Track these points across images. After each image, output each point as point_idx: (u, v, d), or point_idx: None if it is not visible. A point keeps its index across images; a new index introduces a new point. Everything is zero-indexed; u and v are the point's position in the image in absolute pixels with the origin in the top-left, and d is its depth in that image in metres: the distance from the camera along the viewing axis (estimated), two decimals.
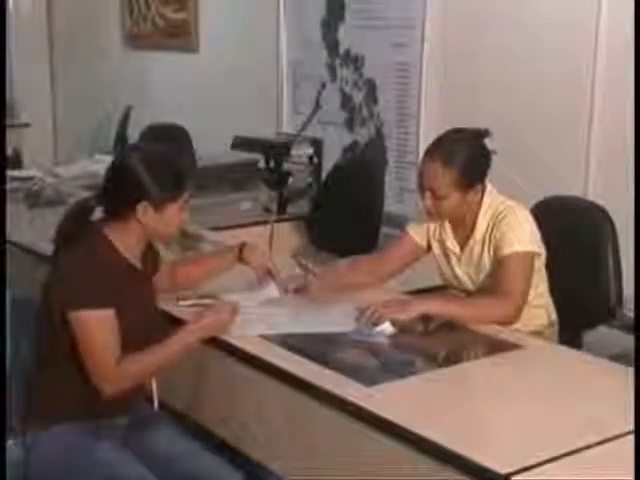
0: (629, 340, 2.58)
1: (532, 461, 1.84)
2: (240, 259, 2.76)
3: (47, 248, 2.49)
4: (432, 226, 2.90)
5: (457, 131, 2.76)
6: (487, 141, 2.75)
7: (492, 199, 2.78)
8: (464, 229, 2.82)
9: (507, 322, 2.63)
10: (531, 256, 2.71)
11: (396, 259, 2.96)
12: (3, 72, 5.77)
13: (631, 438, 1.94)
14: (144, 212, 2.34)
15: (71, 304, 2.26)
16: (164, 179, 2.35)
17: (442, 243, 2.89)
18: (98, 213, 2.42)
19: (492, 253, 2.75)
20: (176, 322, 2.62)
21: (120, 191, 2.37)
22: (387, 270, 2.96)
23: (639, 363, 2.22)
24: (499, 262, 2.70)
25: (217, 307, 2.55)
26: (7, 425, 2.28)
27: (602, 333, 2.67)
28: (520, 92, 3.98)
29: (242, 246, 2.77)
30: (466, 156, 2.68)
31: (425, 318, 2.60)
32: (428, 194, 2.71)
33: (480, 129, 2.75)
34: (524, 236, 2.70)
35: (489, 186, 2.79)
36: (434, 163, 2.68)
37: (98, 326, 2.26)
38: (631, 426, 1.97)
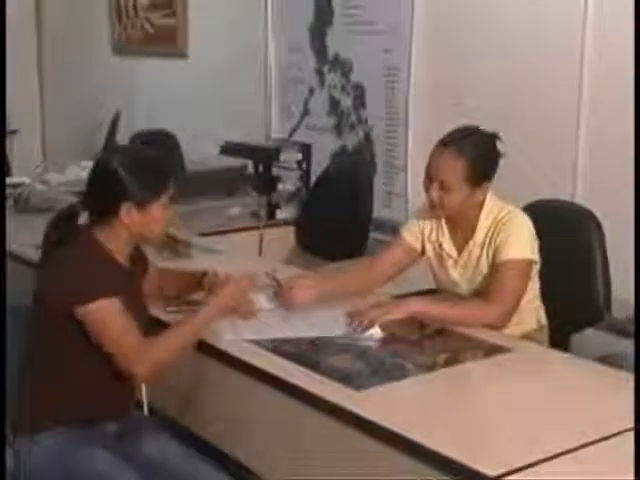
0: (617, 342, 2.59)
1: (521, 463, 1.85)
2: (202, 287, 2.75)
3: (35, 255, 2.50)
4: (427, 228, 2.89)
5: (472, 127, 2.75)
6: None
7: (493, 203, 2.77)
8: (463, 231, 2.81)
9: (497, 326, 2.64)
10: (529, 264, 2.72)
11: (391, 263, 2.94)
12: (3, 85, 5.76)
13: (619, 439, 1.96)
14: (128, 212, 2.35)
15: (77, 300, 2.26)
16: (145, 178, 2.37)
17: (438, 245, 2.87)
18: (84, 218, 2.43)
19: (491, 257, 2.74)
20: (165, 327, 2.63)
21: (103, 193, 2.38)
22: (382, 274, 2.94)
23: (639, 363, 2.23)
24: (498, 266, 2.70)
25: (233, 278, 2.56)
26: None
27: (590, 335, 2.68)
28: (509, 96, 3.99)
29: (203, 275, 2.76)
30: (479, 151, 2.68)
31: (420, 326, 2.60)
32: (435, 185, 2.69)
33: (493, 132, 2.75)
34: (525, 243, 2.70)
35: (489, 189, 2.79)
36: (447, 153, 2.67)
37: (112, 312, 2.27)
38: (619, 428, 1.99)
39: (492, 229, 2.74)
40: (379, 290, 2.97)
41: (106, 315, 2.27)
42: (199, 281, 2.75)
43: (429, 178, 2.72)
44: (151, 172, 2.40)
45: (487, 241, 2.75)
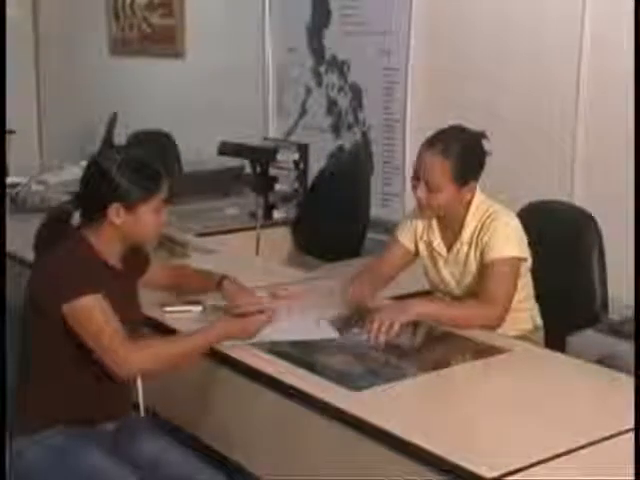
0: (614, 343, 2.59)
1: (518, 464, 1.85)
2: (219, 290, 2.75)
3: (31, 255, 2.50)
4: (419, 227, 2.90)
5: (457, 127, 2.76)
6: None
7: (481, 201, 2.78)
8: (452, 229, 2.82)
9: (491, 327, 2.65)
10: (518, 262, 2.72)
11: (392, 264, 2.94)
12: (3, 86, 5.73)
13: (618, 440, 1.96)
14: (116, 214, 2.35)
15: (63, 298, 2.26)
16: (135, 180, 2.36)
17: (429, 244, 2.88)
18: (77, 219, 2.43)
19: (479, 256, 2.75)
20: (161, 328, 2.63)
21: (93, 193, 2.39)
22: (384, 277, 2.94)
23: (639, 363, 2.23)
24: (486, 266, 2.70)
25: (248, 318, 2.54)
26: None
27: (586, 336, 2.68)
28: (508, 98, 3.99)
29: (222, 279, 2.75)
30: (465, 150, 2.69)
31: (417, 327, 2.60)
32: (422, 186, 2.70)
33: (479, 131, 2.75)
34: (512, 241, 2.71)
35: (478, 188, 2.79)
36: (433, 153, 2.68)
37: (97, 308, 2.27)
38: (618, 428, 1.99)
39: (479, 228, 2.75)
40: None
41: (91, 310, 2.26)
42: (218, 283, 2.74)
43: (416, 178, 2.73)
44: (142, 174, 2.38)
45: (474, 240, 2.76)
